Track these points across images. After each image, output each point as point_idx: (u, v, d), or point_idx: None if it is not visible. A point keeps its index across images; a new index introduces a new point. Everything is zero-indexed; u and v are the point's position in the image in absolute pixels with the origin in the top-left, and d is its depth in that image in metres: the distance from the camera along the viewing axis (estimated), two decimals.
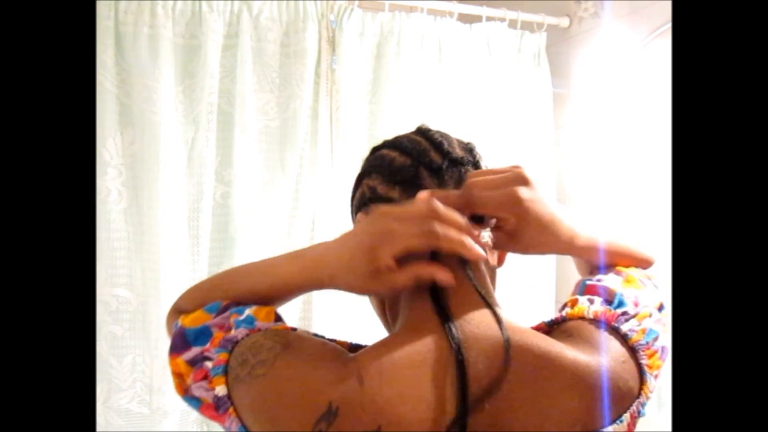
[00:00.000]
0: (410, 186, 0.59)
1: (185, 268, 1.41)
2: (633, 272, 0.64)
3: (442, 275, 0.54)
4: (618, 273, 0.63)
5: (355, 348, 0.57)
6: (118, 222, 1.37)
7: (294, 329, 0.58)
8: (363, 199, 0.63)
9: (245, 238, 1.45)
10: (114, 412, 1.38)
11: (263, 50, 1.46)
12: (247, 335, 0.55)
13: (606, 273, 0.63)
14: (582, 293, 0.60)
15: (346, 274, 0.56)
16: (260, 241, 1.47)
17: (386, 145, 0.65)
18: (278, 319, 0.60)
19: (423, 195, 0.55)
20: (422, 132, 0.65)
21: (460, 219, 0.54)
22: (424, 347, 0.52)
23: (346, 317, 1.51)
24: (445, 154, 0.61)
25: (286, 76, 1.49)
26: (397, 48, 1.56)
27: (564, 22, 1.79)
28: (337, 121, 1.54)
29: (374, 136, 1.57)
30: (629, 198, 1.58)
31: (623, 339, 0.54)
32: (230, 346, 0.55)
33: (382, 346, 0.53)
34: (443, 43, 1.62)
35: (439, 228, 0.52)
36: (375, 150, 0.66)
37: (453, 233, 0.53)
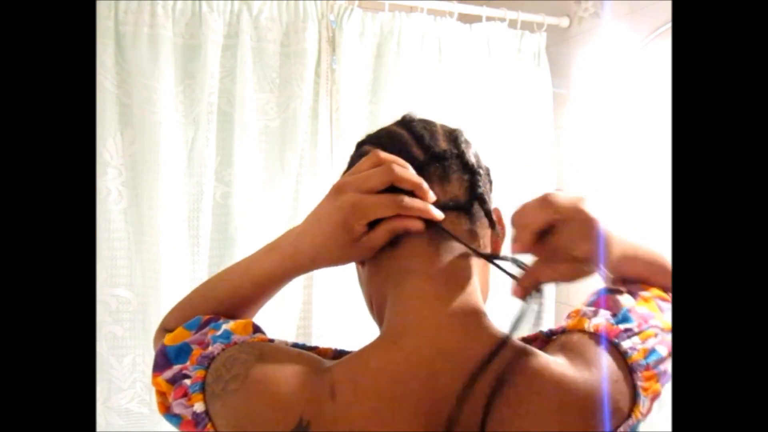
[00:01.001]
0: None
1: (185, 268, 1.41)
2: (656, 294, 0.61)
3: (412, 224, 0.54)
4: (642, 289, 0.61)
5: (339, 354, 0.57)
6: (118, 222, 1.37)
7: (271, 340, 0.57)
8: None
9: (245, 238, 1.45)
10: (114, 412, 1.38)
11: (263, 50, 1.46)
12: (223, 350, 0.55)
13: (632, 288, 0.61)
14: (592, 304, 0.58)
15: (326, 253, 0.56)
16: (260, 241, 1.46)
17: (368, 140, 0.63)
18: (256, 330, 0.59)
19: (378, 157, 0.55)
20: (405, 123, 0.62)
21: (417, 179, 0.54)
22: (403, 360, 0.50)
23: (345, 317, 1.51)
24: (427, 149, 0.58)
25: (286, 76, 1.49)
26: (397, 48, 1.57)
27: (564, 22, 1.79)
28: (337, 121, 1.54)
29: None
30: (629, 198, 1.58)
31: (622, 357, 0.52)
32: (207, 362, 0.55)
33: (358, 358, 0.52)
34: (443, 43, 1.62)
35: (404, 198, 0.53)
36: (359, 146, 0.64)
37: (416, 202, 0.54)
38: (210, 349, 0.56)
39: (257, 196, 1.47)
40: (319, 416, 0.48)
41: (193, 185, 1.41)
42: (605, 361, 0.51)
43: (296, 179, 1.50)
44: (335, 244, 0.55)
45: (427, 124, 0.62)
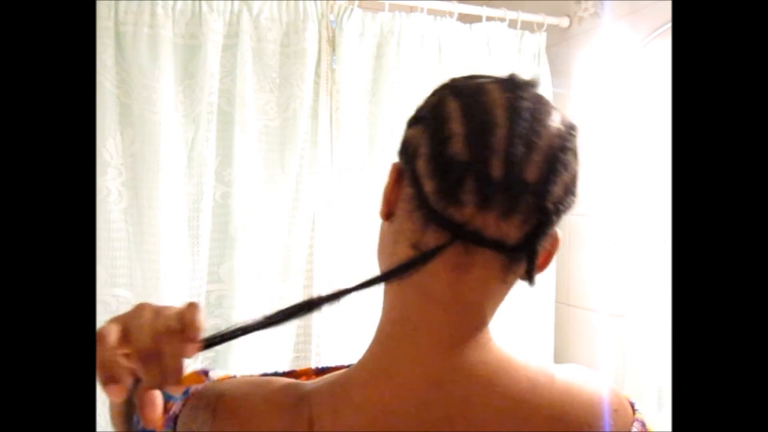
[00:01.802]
0: (447, 192, 0.46)
1: (185, 268, 1.41)
2: None
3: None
4: None
5: (321, 372, 0.54)
6: (118, 222, 1.37)
7: (233, 376, 0.55)
8: (404, 148, 0.51)
9: (245, 238, 1.45)
10: None
11: (263, 50, 1.46)
12: (184, 404, 0.52)
13: None
14: None
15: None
16: (260, 241, 1.47)
17: (459, 94, 0.49)
18: (206, 373, 0.57)
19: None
20: (510, 105, 0.47)
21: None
22: (388, 391, 0.48)
23: (345, 318, 1.51)
24: (509, 172, 0.45)
25: (286, 76, 1.49)
26: (397, 48, 1.56)
27: (564, 22, 1.79)
28: (337, 121, 1.54)
29: (374, 136, 1.57)
30: (629, 198, 1.58)
31: None
32: (172, 423, 0.52)
33: (341, 387, 0.49)
34: (443, 43, 1.62)
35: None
36: (446, 89, 0.50)
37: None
38: (172, 410, 0.52)
39: (257, 196, 1.47)
40: None
41: (193, 185, 1.41)
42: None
43: (296, 179, 1.50)
44: None
45: (537, 119, 0.47)
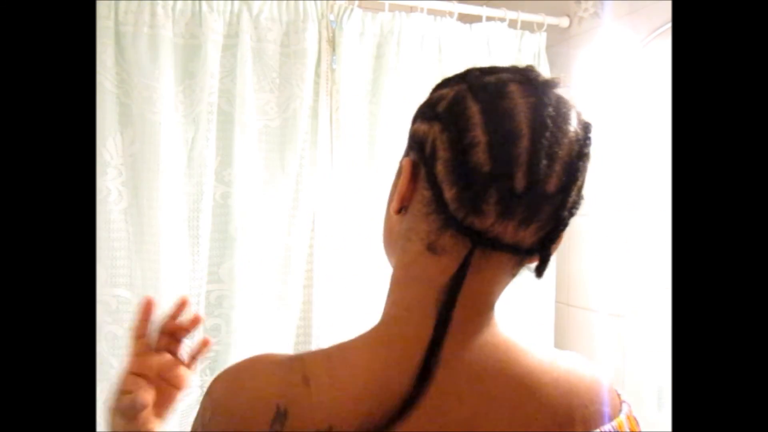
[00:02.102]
0: (468, 202, 0.46)
1: (185, 268, 1.41)
2: None
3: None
4: None
5: None
6: (118, 222, 1.36)
7: None
8: (420, 144, 0.50)
9: (245, 238, 1.45)
10: None
11: (263, 50, 1.46)
12: None
13: None
14: None
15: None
16: (260, 241, 1.47)
17: (479, 95, 0.48)
18: None
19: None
20: (533, 109, 0.47)
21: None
22: (387, 357, 0.49)
23: (345, 318, 1.51)
24: (532, 182, 0.46)
25: (286, 76, 1.49)
26: (397, 48, 1.56)
27: (564, 22, 1.79)
28: (337, 121, 1.54)
29: (374, 136, 1.57)
30: (629, 198, 1.58)
31: None
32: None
33: (336, 349, 0.51)
34: (443, 43, 1.62)
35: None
36: (463, 85, 0.49)
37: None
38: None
39: (257, 196, 1.47)
40: (295, 403, 0.47)
41: (193, 185, 1.41)
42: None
43: (296, 179, 1.50)
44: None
45: (558, 126, 0.47)
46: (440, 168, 0.47)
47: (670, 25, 1.46)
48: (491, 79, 0.49)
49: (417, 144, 0.50)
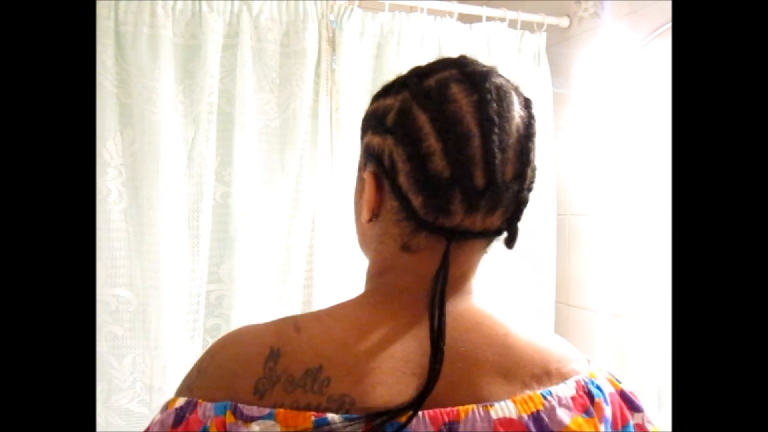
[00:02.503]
0: (436, 207, 0.50)
1: (185, 268, 1.41)
2: None
3: None
4: None
5: None
6: (118, 222, 1.36)
7: None
8: (376, 158, 0.53)
9: (245, 238, 1.45)
10: (114, 412, 1.38)
11: (263, 50, 1.46)
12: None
13: None
14: None
15: None
16: (260, 241, 1.47)
17: (424, 103, 0.50)
18: None
19: None
20: (478, 107, 0.49)
21: None
22: (372, 314, 0.54)
23: None
24: (491, 175, 0.49)
25: (286, 76, 1.49)
26: (397, 48, 1.57)
27: (564, 22, 1.79)
28: (337, 121, 1.54)
29: None
30: (629, 198, 1.58)
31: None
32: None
33: (324, 308, 0.56)
34: (443, 43, 1.62)
35: None
36: (406, 94, 0.52)
37: None
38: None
39: (257, 196, 1.47)
40: (287, 344, 0.51)
41: (193, 185, 1.41)
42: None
43: (296, 179, 1.50)
44: None
45: (504, 116, 0.50)
46: (403, 179, 0.51)
47: (670, 25, 1.47)
48: (431, 82, 0.52)
49: (374, 157, 0.54)
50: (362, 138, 0.58)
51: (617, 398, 0.56)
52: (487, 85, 0.51)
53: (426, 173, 0.49)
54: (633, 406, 0.56)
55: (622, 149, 1.59)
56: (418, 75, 0.53)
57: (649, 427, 0.55)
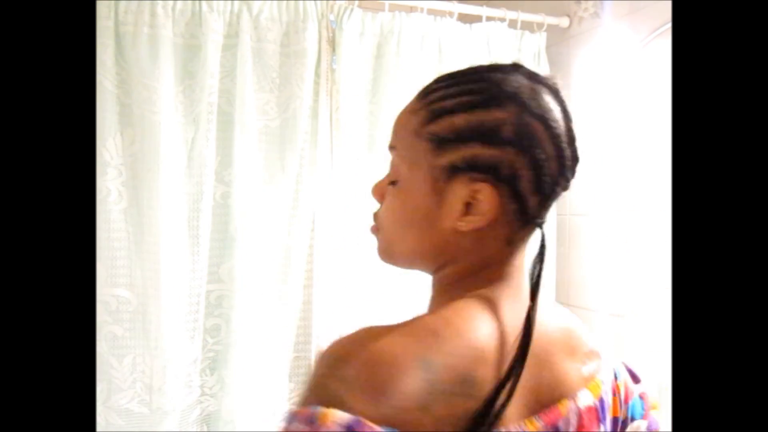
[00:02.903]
0: (544, 204, 0.56)
1: (185, 268, 1.41)
2: None
3: None
4: None
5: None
6: (118, 222, 1.37)
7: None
8: (492, 168, 0.54)
9: (245, 238, 1.45)
10: (114, 412, 1.38)
11: (263, 50, 1.46)
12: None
13: None
14: None
15: None
16: (260, 241, 1.47)
17: (535, 112, 0.54)
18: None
19: None
20: (564, 116, 0.56)
21: None
22: (493, 330, 0.54)
23: (345, 317, 1.51)
24: (570, 180, 0.58)
25: (286, 76, 1.49)
26: (397, 48, 1.56)
27: (564, 22, 1.79)
28: (337, 121, 1.54)
29: (374, 136, 1.57)
30: (629, 198, 1.58)
31: None
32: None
33: (451, 313, 0.53)
34: (443, 43, 1.62)
35: None
36: (519, 104, 0.54)
37: None
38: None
39: (257, 196, 1.47)
40: (436, 353, 0.48)
41: (193, 185, 1.41)
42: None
43: (296, 179, 1.50)
44: None
45: (570, 123, 0.57)
46: (525, 185, 0.54)
47: (670, 25, 1.47)
48: (533, 89, 0.56)
49: (486, 168, 0.54)
50: (446, 150, 0.55)
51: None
52: (561, 96, 0.57)
53: (544, 177, 0.54)
54: (635, 379, 0.65)
55: (622, 149, 1.59)
56: (519, 78, 0.56)
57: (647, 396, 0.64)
